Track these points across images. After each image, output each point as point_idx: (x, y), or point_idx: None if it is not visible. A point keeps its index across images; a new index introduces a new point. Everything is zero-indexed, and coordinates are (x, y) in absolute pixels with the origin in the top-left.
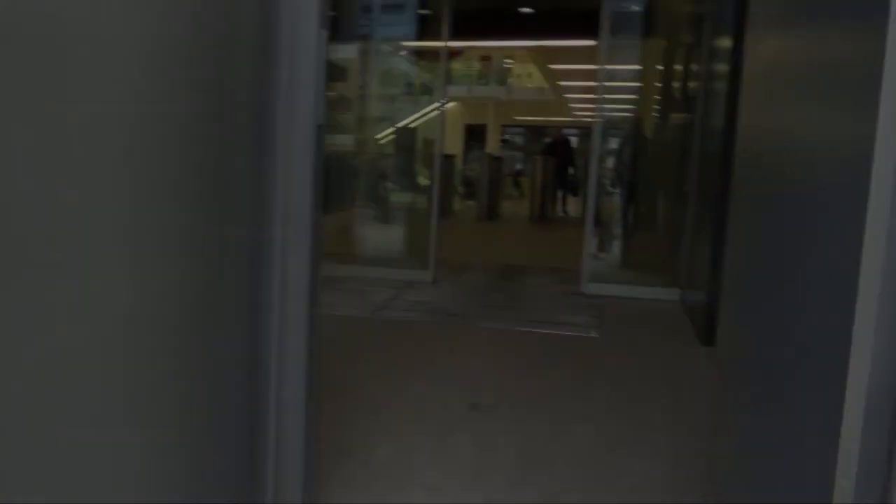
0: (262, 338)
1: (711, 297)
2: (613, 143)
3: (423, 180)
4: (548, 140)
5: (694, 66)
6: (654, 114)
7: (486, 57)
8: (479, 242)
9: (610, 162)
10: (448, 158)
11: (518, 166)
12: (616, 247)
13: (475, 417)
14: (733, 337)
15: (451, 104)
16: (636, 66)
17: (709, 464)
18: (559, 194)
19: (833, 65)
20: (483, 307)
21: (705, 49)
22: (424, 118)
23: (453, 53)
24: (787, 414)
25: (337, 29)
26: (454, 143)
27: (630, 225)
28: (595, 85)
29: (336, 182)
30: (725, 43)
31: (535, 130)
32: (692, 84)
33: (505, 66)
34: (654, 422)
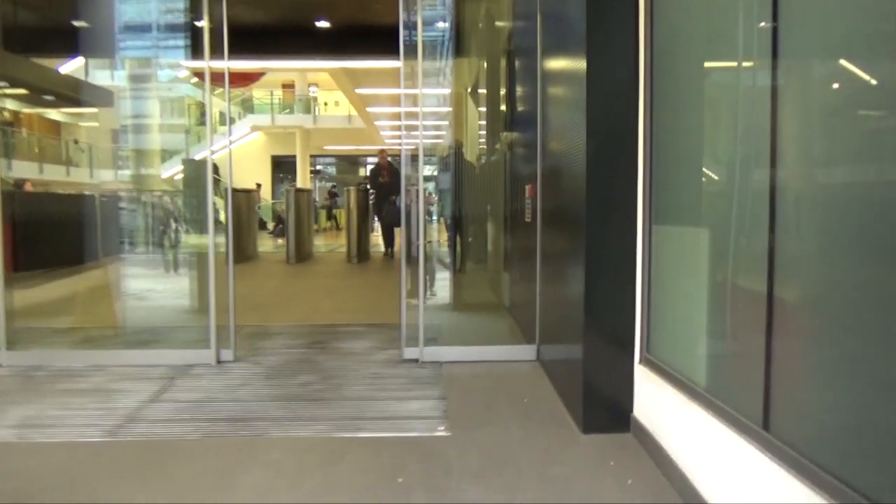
0: None
1: (589, 355)
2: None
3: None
4: (372, 168)
5: (520, 89)
6: (477, 138)
7: (288, 84)
8: (284, 295)
9: (430, 189)
10: (242, 193)
11: (333, 196)
12: (446, 288)
13: None
14: None
15: (254, 134)
16: (445, 90)
17: None
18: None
19: None
20: (285, 401)
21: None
22: (219, 150)
23: (249, 78)
24: None
25: (89, 47)
26: (260, 176)
27: (461, 262)
28: (405, 110)
29: (95, 227)
30: (562, 64)
31: (346, 159)
32: (521, 107)
33: (310, 93)
34: None
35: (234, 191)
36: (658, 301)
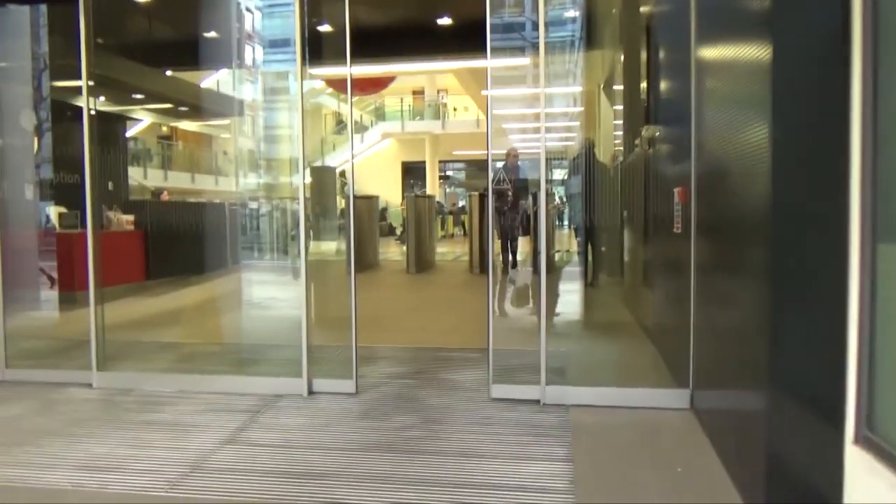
0: None
1: (776, 415)
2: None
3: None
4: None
5: (665, 82)
6: (612, 137)
7: (418, 91)
8: (396, 309)
9: (558, 196)
10: (369, 200)
11: (461, 203)
12: (574, 304)
13: None
14: None
15: (385, 142)
16: (575, 88)
17: None
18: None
19: None
20: (372, 451)
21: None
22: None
23: (377, 84)
24: None
25: (205, 56)
26: (392, 183)
27: (593, 275)
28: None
29: (225, 235)
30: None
31: (475, 164)
32: (666, 102)
33: (439, 99)
34: None
35: (356, 197)
36: (889, 353)
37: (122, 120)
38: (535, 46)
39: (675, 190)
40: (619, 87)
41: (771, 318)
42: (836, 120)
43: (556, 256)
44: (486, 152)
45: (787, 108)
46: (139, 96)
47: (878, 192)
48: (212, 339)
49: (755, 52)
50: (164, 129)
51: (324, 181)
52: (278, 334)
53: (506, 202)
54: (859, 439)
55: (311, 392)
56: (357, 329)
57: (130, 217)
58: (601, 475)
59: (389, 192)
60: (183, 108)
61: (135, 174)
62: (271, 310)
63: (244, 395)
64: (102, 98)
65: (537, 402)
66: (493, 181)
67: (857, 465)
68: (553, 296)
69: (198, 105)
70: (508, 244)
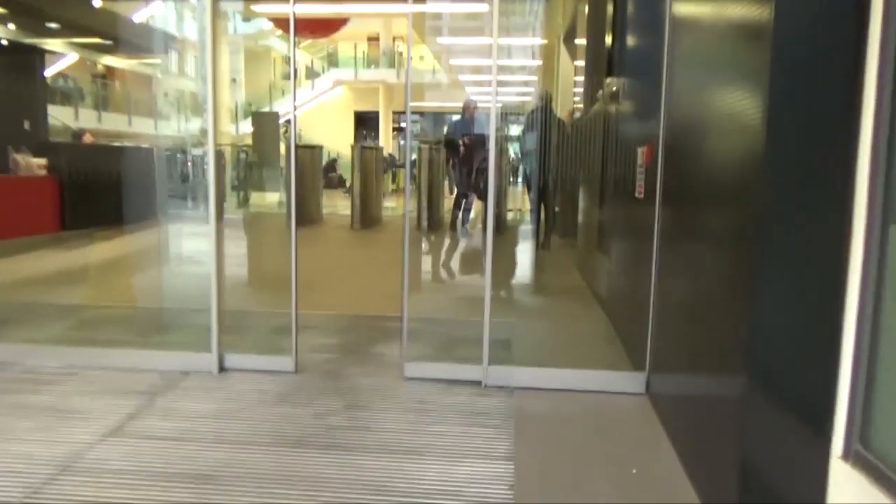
0: None
1: (751, 412)
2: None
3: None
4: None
5: (633, 38)
6: (571, 91)
7: (373, 37)
8: (335, 270)
9: (512, 152)
10: (312, 150)
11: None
12: (521, 272)
13: None
14: None
15: (338, 89)
16: (533, 40)
17: None
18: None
19: None
20: (284, 446)
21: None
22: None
23: (329, 27)
24: None
25: None
26: (344, 134)
27: (544, 236)
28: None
29: (152, 183)
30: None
31: (431, 117)
32: (634, 54)
33: (394, 47)
34: None
35: (299, 147)
36: (890, 357)
37: (37, 52)
38: None
39: (640, 149)
40: (581, 42)
41: (750, 297)
42: (846, 81)
43: (510, 216)
44: (442, 105)
45: (786, 67)
46: (60, 27)
47: (894, 161)
48: (123, 301)
49: (750, 9)
50: (100, 67)
51: (266, 128)
52: (202, 297)
53: (457, 155)
54: (849, 454)
55: (222, 369)
56: (283, 290)
57: (42, 161)
58: (545, 477)
59: (341, 142)
60: (111, 43)
61: (61, 114)
62: (198, 266)
63: (145, 371)
64: (12, 26)
65: (479, 383)
66: (445, 134)
67: (844, 484)
68: (506, 262)
69: (130, 41)
70: (462, 202)
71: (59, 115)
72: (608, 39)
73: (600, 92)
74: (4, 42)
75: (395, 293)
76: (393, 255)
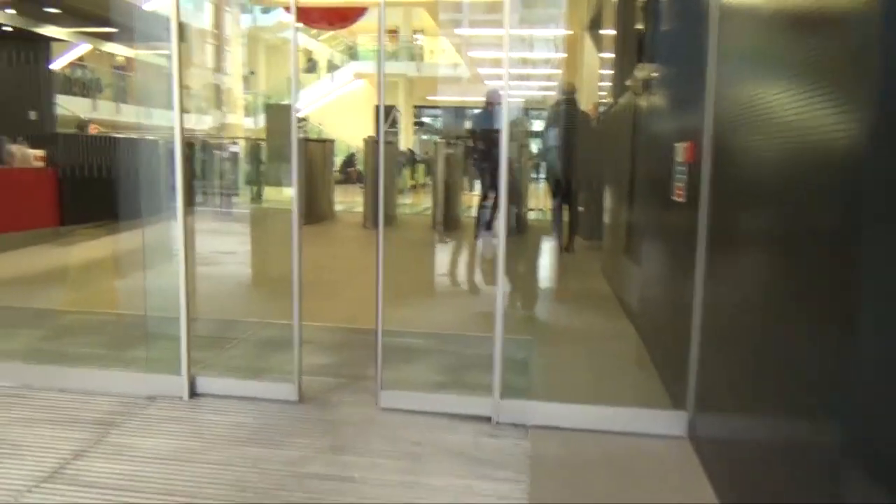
0: None
1: (840, 476)
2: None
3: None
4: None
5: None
6: (597, 83)
7: (392, 30)
8: (341, 275)
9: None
10: (323, 144)
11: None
12: (542, 278)
13: None
14: None
15: (358, 83)
16: (556, 30)
17: None
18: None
19: None
20: (253, 499)
21: None
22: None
23: (346, 17)
24: None
25: None
26: (364, 128)
27: (567, 239)
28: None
29: (160, 177)
30: None
31: (452, 111)
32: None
33: (413, 39)
34: None
35: (309, 141)
36: None
37: (42, 41)
38: None
39: (679, 146)
40: (607, 32)
41: (847, 319)
42: None
43: (532, 216)
44: (463, 99)
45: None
46: (64, 14)
47: None
48: (105, 306)
49: None
50: (120, 58)
51: (280, 121)
52: (199, 301)
53: (477, 152)
54: None
55: (194, 394)
56: (283, 296)
57: (39, 152)
58: None
59: (362, 136)
60: (121, 32)
61: (78, 105)
62: (200, 267)
63: (106, 395)
64: (12, 11)
65: (489, 419)
66: (469, 129)
67: None
68: (525, 267)
69: (137, 29)
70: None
71: (73, 106)
72: (640, 25)
73: (629, 81)
74: (8, 28)
75: (403, 303)
76: (404, 257)
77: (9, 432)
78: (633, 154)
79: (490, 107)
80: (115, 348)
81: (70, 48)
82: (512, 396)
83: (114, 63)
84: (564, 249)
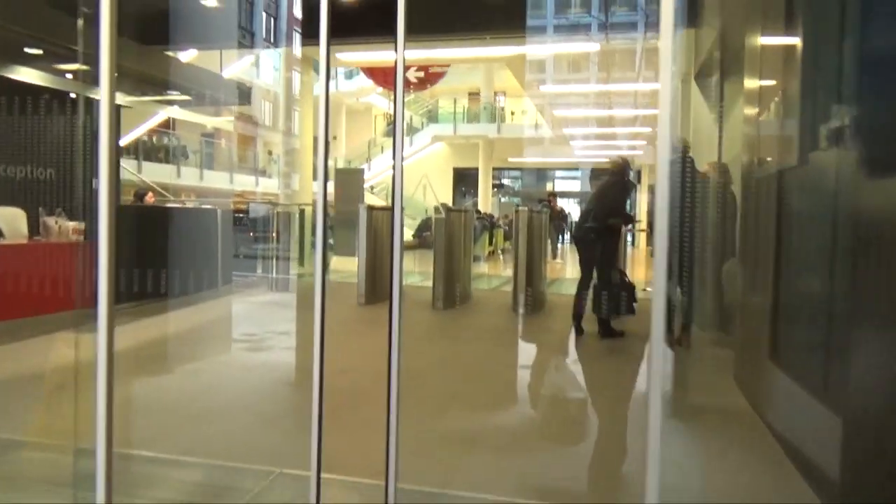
0: None
1: None
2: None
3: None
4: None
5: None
6: (717, 135)
7: (474, 92)
8: (380, 386)
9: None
10: (388, 211)
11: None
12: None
13: None
14: None
15: (437, 146)
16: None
17: None
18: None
19: None
20: None
21: None
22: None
23: (425, 79)
24: None
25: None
26: (442, 191)
27: (680, 328)
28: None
29: (216, 249)
30: None
31: (533, 173)
32: None
33: (495, 101)
34: None
35: (376, 209)
36: None
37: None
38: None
39: None
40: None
41: None
42: None
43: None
44: (544, 160)
45: None
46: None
47: None
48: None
49: None
50: (209, 126)
51: (349, 186)
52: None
53: (594, 231)
54: None
55: None
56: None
57: (79, 225)
58: None
59: (441, 200)
60: (201, 98)
61: (159, 173)
62: (265, 348)
63: None
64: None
65: None
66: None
67: None
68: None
69: (221, 98)
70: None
71: (155, 174)
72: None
73: (825, 129)
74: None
75: (469, 438)
76: (476, 352)
77: None
78: (778, 225)
79: (616, 178)
80: None
81: (153, 116)
82: None
83: (203, 132)
84: (676, 342)
